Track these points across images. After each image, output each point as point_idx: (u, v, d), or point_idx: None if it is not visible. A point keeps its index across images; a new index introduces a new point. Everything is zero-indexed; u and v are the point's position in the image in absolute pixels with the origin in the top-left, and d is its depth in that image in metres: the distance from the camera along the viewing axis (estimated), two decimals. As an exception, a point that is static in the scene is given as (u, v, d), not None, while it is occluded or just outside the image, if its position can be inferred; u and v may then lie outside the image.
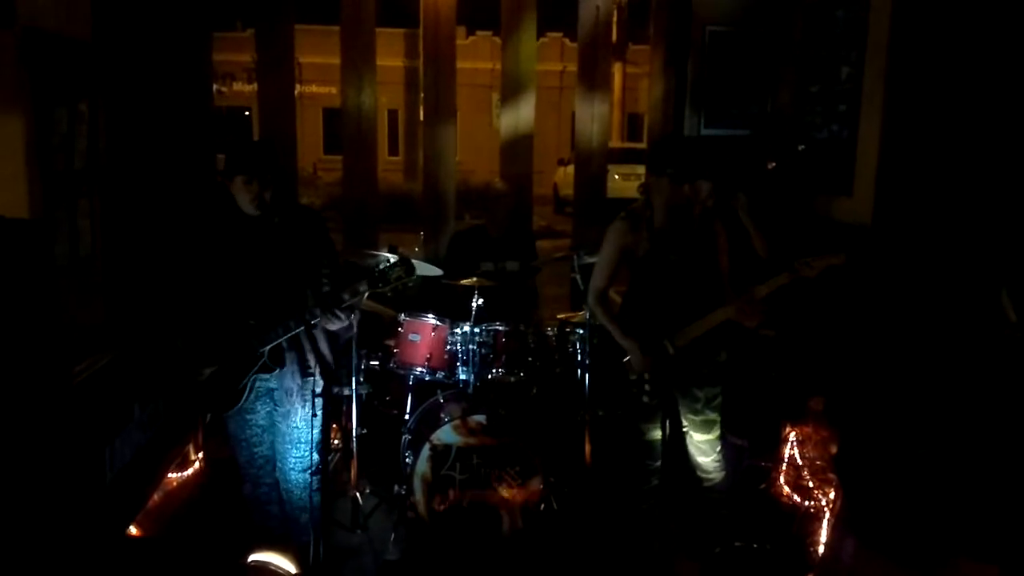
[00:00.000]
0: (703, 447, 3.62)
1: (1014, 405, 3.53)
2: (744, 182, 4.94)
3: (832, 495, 3.98)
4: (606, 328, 3.58)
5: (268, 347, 3.17)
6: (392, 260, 3.17)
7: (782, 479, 4.32)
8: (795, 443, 4.31)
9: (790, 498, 4.23)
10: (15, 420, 2.44)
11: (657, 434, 3.65)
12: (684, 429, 3.65)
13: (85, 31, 3.70)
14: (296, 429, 3.34)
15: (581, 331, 4.29)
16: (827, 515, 3.95)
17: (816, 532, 3.92)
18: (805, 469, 4.22)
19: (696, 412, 3.58)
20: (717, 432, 3.62)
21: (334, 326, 3.27)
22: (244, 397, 3.25)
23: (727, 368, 3.71)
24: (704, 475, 3.67)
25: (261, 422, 3.39)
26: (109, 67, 3.87)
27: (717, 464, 3.66)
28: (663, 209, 3.47)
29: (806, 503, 4.12)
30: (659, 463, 3.69)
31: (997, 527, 3.17)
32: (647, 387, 3.55)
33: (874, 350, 4.38)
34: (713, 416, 3.59)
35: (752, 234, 3.96)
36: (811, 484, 4.15)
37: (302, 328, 3.14)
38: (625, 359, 3.52)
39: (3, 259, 2.45)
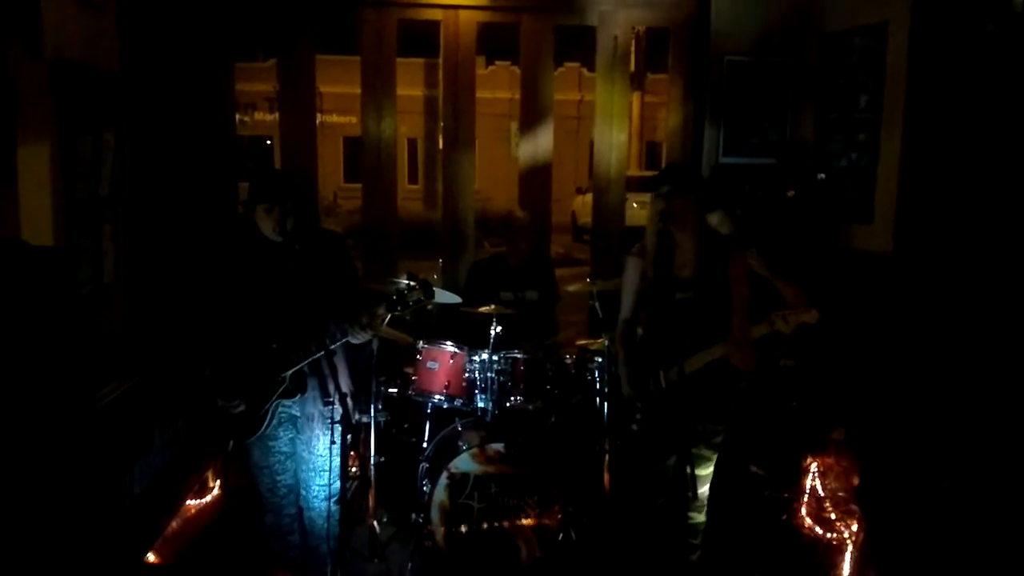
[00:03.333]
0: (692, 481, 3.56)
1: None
2: (764, 212, 4.95)
3: (855, 527, 3.93)
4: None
5: (290, 372, 3.18)
6: (411, 283, 3.16)
7: (804, 510, 4.26)
8: (817, 474, 4.26)
9: (812, 530, 4.17)
10: (38, 444, 2.45)
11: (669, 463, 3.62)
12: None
13: (112, 62, 3.77)
14: (320, 457, 3.33)
15: (600, 359, 4.27)
16: (849, 547, 3.89)
17: (838, 564, 3.87)
18: (827, 500, 4.16)
19: (693, 445, 3.54)
20: (708, 469, 3.54)
21: (358, 339, 3.26)
22: (266, 423, 3.25)
23: (739, 401, 3.67)
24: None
25: (284, 449, 3.39)
26: (134, 97, 3.93)
27: (701, 505, 3.59)
28: (655, 234, 3.43)
29: (828, 535, 4.06)
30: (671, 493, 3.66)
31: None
32: (637, 416, 3.53)
33: (897, 379, 4.33)
34: (707, 453, 3.51)
35: (780, 286, 3.91)
36: (833, 516, 4.10)
37: (323, 353, 3.14)
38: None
39: (28, 286, 2.47)
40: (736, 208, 4.02)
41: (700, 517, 3.59)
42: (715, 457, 3.54)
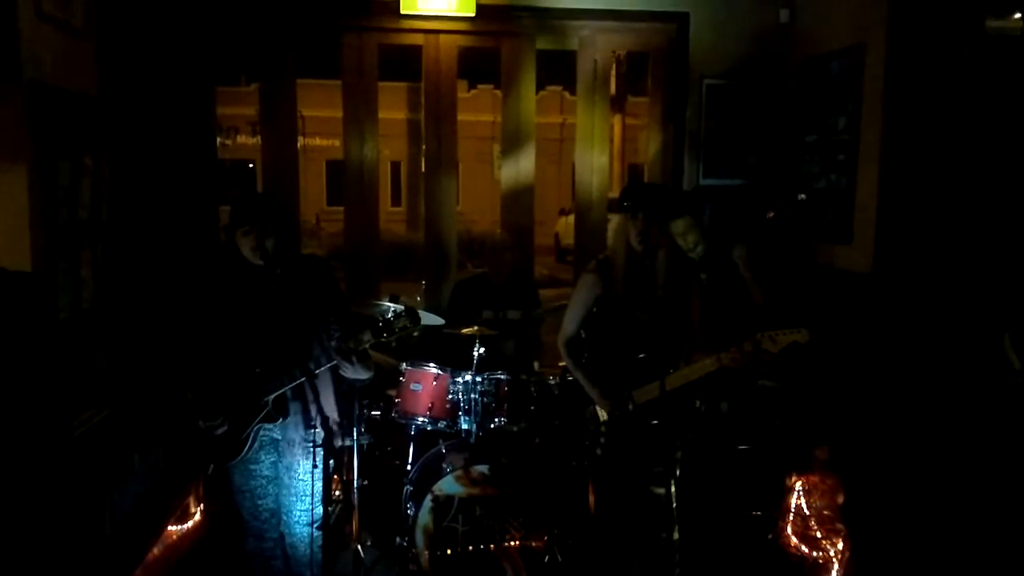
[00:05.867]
0: (652, 500, 3.57)
1: (1019, 451, 3.50)
2: (744, 231, 4.98)
3: (840, 545, 3.93)
4: (574, 376, 3.61)
5: (272, 396, 3.16)
6: (397, 310, 3.17)
7: (789, 529, 4.26)
8: (801, 493, 4.26)
9: (797, 548, 4.16)
10: (14, 473, 2.42)
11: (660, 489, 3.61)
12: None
13: (91, 85, 3.76)
14: (301, 482, 3.30)
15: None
16: (835, 565, 3.89)
17: (824, 583, 3.86)
18: (812, 519, 4.16)
19: (653, 464, 3.55)
20: (671, 489, 3.55)
21: (351, 374, 3.25)
22: (247, 447, 3.23)
23: (726, 418, 3.68)
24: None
25: (266, 472, 3.36)
26: (114, 121, 3.92)
27: (668, 522, 3.59)
28: (623, 252, 3.46)
29: (814, 553, 4.06)
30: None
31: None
32: (602, 440, 3.53)
33: (879, 398, 4.35)
34: (671, 470, 3.52)
35: (750, 285, 3.97)
36: (819, 534, 4.09)
37: (305, 378, 3.13)
38: (587, 409, 3.53)
39: (4, 311, 2.45)
40: (703, 217, 4.05)
41: (678, 535, 3.59)
42: (679, 472, 3.54)
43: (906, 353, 4.39)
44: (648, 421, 3.47)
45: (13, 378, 2.44)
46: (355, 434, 4.10)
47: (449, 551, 3.91)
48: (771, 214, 5.48)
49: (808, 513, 4.19)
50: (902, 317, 4.48)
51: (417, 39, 5.64)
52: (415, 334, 3.19)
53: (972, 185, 4.47)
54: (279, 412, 3.21)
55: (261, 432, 3.26)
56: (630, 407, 3.44)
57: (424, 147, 5.82)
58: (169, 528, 4.21)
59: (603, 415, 3.51)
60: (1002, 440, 3.66)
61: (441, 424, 4.27)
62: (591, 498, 4.06)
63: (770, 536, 4.27)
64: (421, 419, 4.27)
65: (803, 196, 5.32)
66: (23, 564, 2.47)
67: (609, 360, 3.55)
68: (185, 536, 4.33)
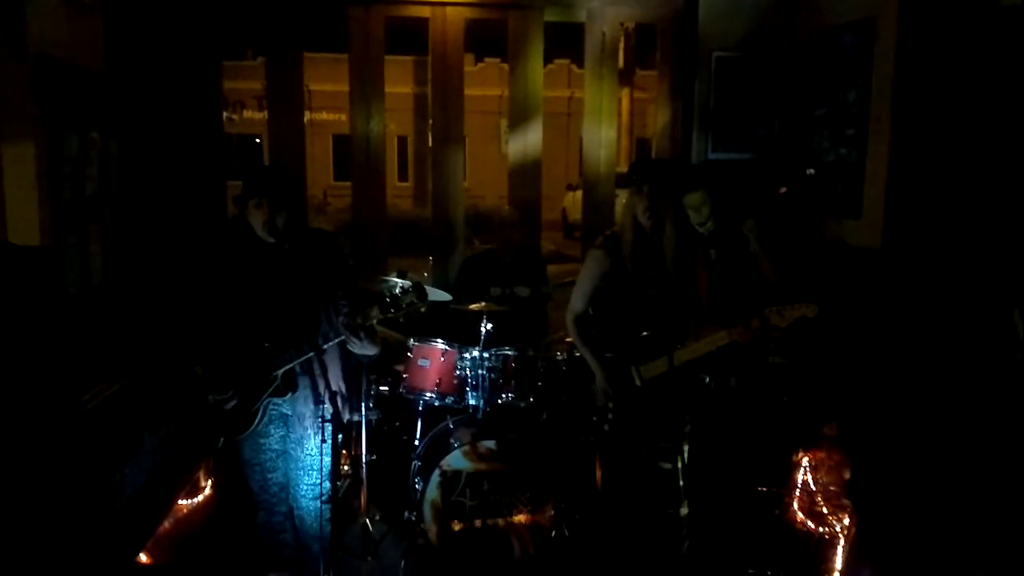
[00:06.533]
0: (660, 476, 3.58)
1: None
2: (754, 206, 4.96)
3: (847, 521, 3.94)
4: (581, 353, 3.62)
5: (281, 371, 3.17)
6: (405, 286, 3.17)
7: (796, 505, 4.27)
8: (808, 469, 4.27)
9: (804, 524, 4.18)
10: (25, 447, 2.44)
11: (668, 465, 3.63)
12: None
13: (98, 61, 3.74)
14: (309, 456, 3.33)
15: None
16: (842, 541, 3.90)
17: (831, 559, 3.88)
18: (819, 495, 4.17)
19: (660, 439, 3.56)
20: (678, 464, 3.57)
21: (358, 349, 3.26)
22: (257, 421, 3.25)
23: (735, 396, 3.68)
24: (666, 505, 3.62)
25: (275, 446, 3.38)
26: (121, 96, 3.91)
27: (676, 497, 3.61)
28: (631, 227, 3.45)
29: (820, 529, 4.07)
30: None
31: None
32: (610, 415, 3.54)
33: (888, 374, 4.35)
34: (679, 445, 3.55)
35: (760, 259, 3.96)
36: (825, 510, 4.11)
37: (313, 353, 3.14)
38: (594, 384, 3.53)
39: (14, 286, 2.45)
40: (718, 191, 4.03)
41: (686, 510, 3.61)
42: (687, 448, 3.56)
43: (915, 329, 4.38)
44: (656, 396, 3.48)
45: (24, 353, 2.45)
46: (363, 409, 4.12)
47: (457, 525, 3.94)
48: (784, 190, 5.44)
49: (815, 489, 4.20)
50: (911, 293, 4.46)
51: (424, 12, 5.59)
52: (422, 310, 3.19)
53: (983, 159, 4.43)
54: (288, 386, 3.23)
55: (270, 406, 3.28)
56: (638, 382, 3.45)
57: (431, 121, 5.79)
58: (179, 502, 4.25)
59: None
60: (1010, 417, 3.66)
61: (449, 400, 4.28)
62: (598, 473, 4.08)
63: (777, 512, 4.29)
64: (429, 395, 4.29)
65: (811, 171, 5.29)
66: (35, 537, 2.49)
67: (617, 336, 3.55)
68: (195, 510, 4.36)
